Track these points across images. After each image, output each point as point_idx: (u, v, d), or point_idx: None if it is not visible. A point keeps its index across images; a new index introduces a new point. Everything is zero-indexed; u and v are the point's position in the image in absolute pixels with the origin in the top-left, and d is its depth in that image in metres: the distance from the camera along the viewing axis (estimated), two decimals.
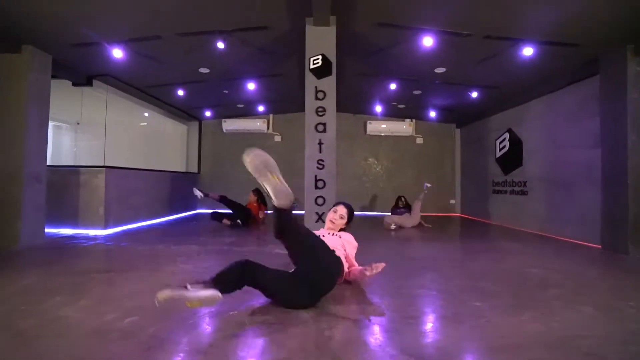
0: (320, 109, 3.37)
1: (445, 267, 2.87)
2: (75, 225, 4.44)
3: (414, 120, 7.56)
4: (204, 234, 4.50)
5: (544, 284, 2.35)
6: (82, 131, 6.82)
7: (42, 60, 3.67)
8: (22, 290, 2.10)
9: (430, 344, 1.45)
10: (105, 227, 4.45)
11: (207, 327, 1.60)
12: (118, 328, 1.55)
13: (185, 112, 6.93)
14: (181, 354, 1.32)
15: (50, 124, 6.24)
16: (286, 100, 6.52)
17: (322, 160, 3.35)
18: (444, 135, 7.76)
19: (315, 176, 3.34)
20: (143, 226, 5.13)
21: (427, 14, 3.25)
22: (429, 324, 1.71)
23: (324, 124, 3.37)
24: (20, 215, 3.47)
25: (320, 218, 3.32)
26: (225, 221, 5.22)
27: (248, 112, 7.21)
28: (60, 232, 4.33)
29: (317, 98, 3.38)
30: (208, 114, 7.08)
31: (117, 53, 3.71)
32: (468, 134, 7.38)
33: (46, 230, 4.11)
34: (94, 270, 2.54)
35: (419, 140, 7.69)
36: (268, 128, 7.53)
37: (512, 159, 5.67)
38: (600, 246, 3.67)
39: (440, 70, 4.58)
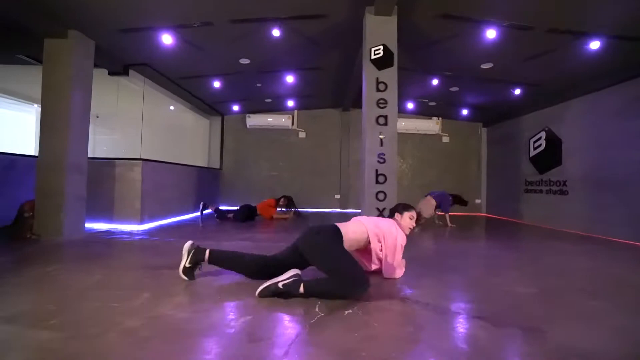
0: (381, 101, 3.25)
1: (521, 266, 2.75)
2: (110, 219, 4.28)
3: (440, 118, 7.46)
4: (247, 229, 4.36)
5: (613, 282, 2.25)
6: (100, 125, 6.66)
7: (86, 46, 3.52)
8: (98, 285, 1.96)
9: (598, 348, 1.33)
10: (141, 222, 4.30)
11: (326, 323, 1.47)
12: (239, 327, 1.41)
13: (209, 106, 6.77)
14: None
15: None
16: (316, 95, 6.38)
17: (383, 154, 3.22)
18: (470, 134, 7.67)
19: (376, 170, 3.22)
20: (176, 222, 4.97)
21: (495, 4, 3.14)
22: (564, 327, 1.58)
23: (385, 117, 3.24)
24: (63, 207, 3.32)
25: (381, 214, 3.19)
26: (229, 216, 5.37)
27: (274, 107, 7.06)
28: (95, 227, 4.17)
29: (378, 90, 3.25)
30: (236, 108, 6.92)
31: (167, 39, 3.56)
32: (495, 133, 7.29)
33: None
34: (160, 265, 2.39)
35: (445, 139, 7.59)
36: (292, 124, 7.39)
37: (550, 158, 5.57)
38: None
39: (486, 65, 4.47)
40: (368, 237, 2.13)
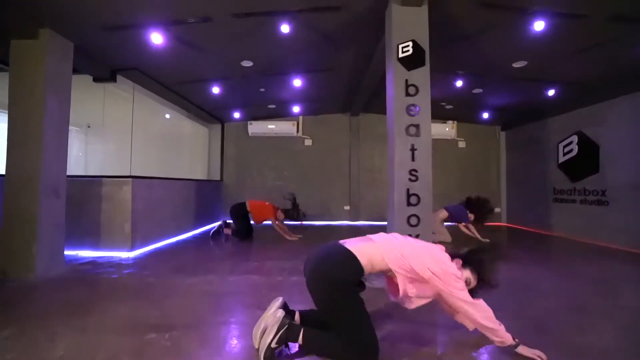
0: (412, 107, 2.72)
1: (603, 306, 2.21)
2: (96, 246, 3.74)
3: (455, 122, 6.95)
4: (257, 252, 3.82)
5: None
6: (93, 135, 6.16)
7: (62, 46, 3.00)
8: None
9: None
10: (132, 247, 3.76)
11: None
12: None
13: (208, 113, 6.25)
14: None
15: None
16: (323, 99, 5.87)
17: (416, 171, 2.70)
18: (488, 139, 7.15)
19: (408, 190, 2.69)
20: (172, 243, 4.44)
21: None
22: None
23: (417, 126, 2.72)
24: (35, 236, 2.78)
25: None
26: (226, 230, 4.79)
27: (278, 113, 6.55)
28: (79, 255, 3.63)
29: (407, 94, 2.73)
30: (237, 115, 6.40)
31: (157, 38, 3.04)
32: (516, 137, 6.77)
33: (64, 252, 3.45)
34: (147, 324, 1.85)
35: (462, 144, 7.08)
36: (297, 131, 6.87)
37: (583, 165, 5.05)
38: None
39: (519, 64, 3.96)
40: (389, 268, 1.52)
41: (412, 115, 2.71)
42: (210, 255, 3.90)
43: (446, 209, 4.89)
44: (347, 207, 6.92)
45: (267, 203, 4.94)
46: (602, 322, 1.97)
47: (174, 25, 3.00)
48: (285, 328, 1.43)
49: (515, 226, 6.65)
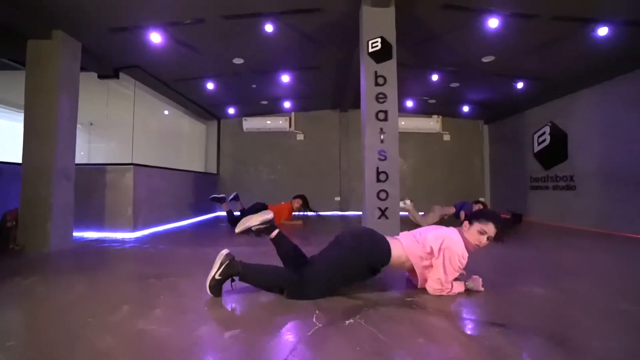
0: (380, 96, 3.10)
1: (539, 266, 2.57)
2: (101, 227, 4.11)
3: (440, 116, 7.32)
4: (241, 235, 4.18)
5: None
6: (95, 133, 6.53)
7: (72, 47, 3.38)
8: (80, 299, 1.78)
9: None
10: (134, 229, 4.13)
11: (326, 336, 1.29)
12: (222, 344, 1.24)
13: (205, 110, 6.64)
14: None
15: None
16: (314, 96, 6.25)
17: (384, 151, 3.06)
18: (472, 132, 7.52)
19: (377, 168, 3.05)
20: (171, 228, 4.80)
21: None
22: (593, 333, 1.40)
23: (385, 112, 3.09)
24: (50, 216, 3.15)
25: (384, 214, 3.02)
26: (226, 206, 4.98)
27: (270, 109, 6.93)
28: (86, 236, 4.00)
29: (377, 84, 3.10)
30: (231, 111, 6.78)
31: (155, 38, 3.42)
32: (498, 130, 7.14)
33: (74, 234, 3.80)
34: (148, 275, 2.22)
35: (446, 137, 7.45)
36: (290, 126, 7.24)
37: (555, 153, 5.41)
38: None
39: (488, 59, 4.33)
40: (407, 257, 1.80)
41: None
42: (207, 236, 4.26)
43: (454, 205, 5.15)
44: (337, 199, 7.28)
45: (283, 203, 5.22)
46: (527, 273, 2.32)
47: (171, 26, 3.38)
48: (227, 263, 1.74)
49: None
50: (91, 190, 4.11)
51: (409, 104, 6.55)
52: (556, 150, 5.38)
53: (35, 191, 3.17)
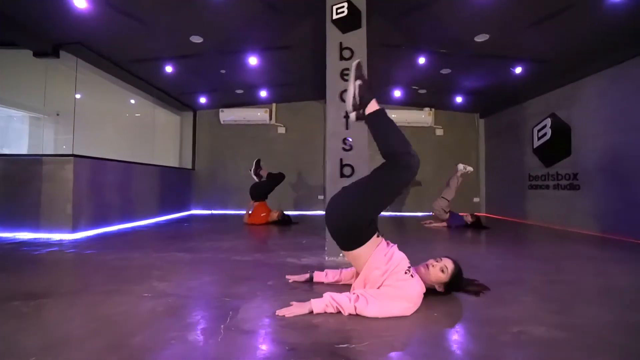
0: (346, 72, 2.56)
1: (537, 283, 2.03)
2: (36, 228, 3.58)
3: (432, 109, 6.77)
4: (197, 238, 3.66)
5: None
6: (65, 123, 6.02)
7: None
8: None
9: None
10: (74, 229, 3.60)
11: None
12: None
13: (177, 100, 6.11)
14: None
15: (27, 115, 5.55)
16: (294, 83, 5.70)
17: (350, 139, 2.53)
18: (466, 126, 6.97)
19: (341, 160, 2.52)
20: (124, 229, 4.28)
21: None
22: None
23: None
24: None
25: None
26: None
27: (248, 99, 6.39)
28: (17, 237, 3.48)
29: (342, 57, 2.56)
30: (203, 100, 6.24)
31: (80, 2, 2.87)
32: (494, 124, 6.59)
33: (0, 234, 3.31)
34: (21, 293, 1.69)
35: (439, 132, 6.90)
36: (270, 119, 6.70)
37: (557, 149, 4.86)
38: None
39: (481, 38, 3.78)
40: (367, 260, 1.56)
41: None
42: (160, 237, 3.74)
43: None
44: (321, 197, 6.75)
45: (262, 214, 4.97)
46: (524, 295, 1.79)
47: None
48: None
49: (494, 216, 6.46)
50: (26, 184, 3.59)
51: (397, 93, 5.99)
52: (558, 146, 4.83)
53: None
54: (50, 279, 1.99)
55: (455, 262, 1.66)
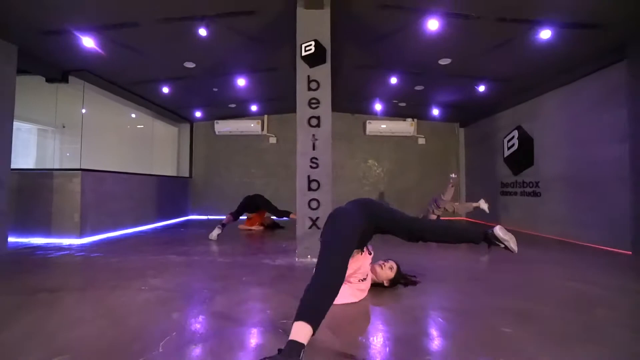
0: (313, 101, 3.00)
1: (463, 280, 2.46)
2: (47, 234, 4.03)
3: (415, 119, 7.20)
4: (189, 242, 4.10)
5: (587, 301, 1.95)
6: (69, 135, 6.49)
7: (5, 50, 3.31)
8: None
9: None
10: (81, 235, 4.05)
11: None
12: None
13: (175, 113, 6.58)
14: None
15: (35, 127, 6.03)
16: (281, 98, 6.15)
17: (316, 158, 2.96)
18: (447, 135, 7.39)
19: (309, 176, 2.95)
20: (126, 234, 4.72)
21: None
22: None
23: (318, 118, 2.99)
24: None
25: (314, 224, 2.92)
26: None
27: (241, 112, 6.85)
28: (32, 242, 3.93)
29: (309, 89, 3.01)
30: (198, 114, 6.71)
31: (88, 42, 3.35)
32: (473, 133, 7.01)
33: (16, 240, 3.75)
34: (43, 288, 2.13)
35: (421, 141, 7.32)
36: (262, 129, 7.16)
37: (522, 158, 5.28)
38: (630, 252, 3.26)
39: (445, 61, 4.22)
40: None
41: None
42: (160, 242, 4.17)
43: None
44: None
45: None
46: (444, 287, 2.22)
47: (106, 30, 3.30)
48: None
49: (473, 220, 6.86)
50: (37, 195, 4.05)
51: (378, 107, 6.44)
52: (524, 155, 5.26)
53: None
54: (64, 277, 2.43)
55: (396, 263, 2.15)
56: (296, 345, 1.09)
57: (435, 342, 1.44)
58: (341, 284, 1.35)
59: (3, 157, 3.36)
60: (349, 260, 1.48)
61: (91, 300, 1.92)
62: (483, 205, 4.87)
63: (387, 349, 1.36)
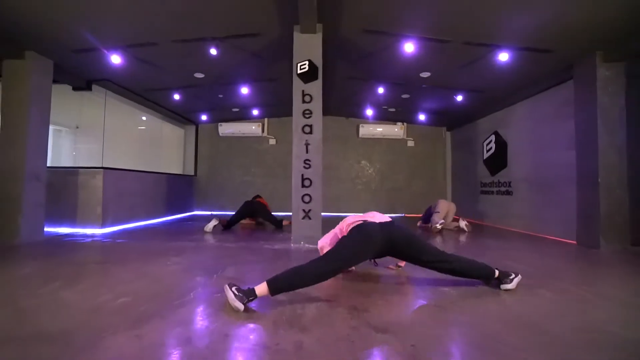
0: (307, 112, 3.55)
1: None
2: (73, 224, 4.59)
3: (405, 123, 7.76)
4: (198, 232, 4.65)
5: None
6: (81, 135, 7.04)
7: (44, 65, 3.86)
8: (22, 277, 2.25)
9: (400, 322, 1.61)
10: (103, 226, 4.61)
11: (194, 306, 1.75)
12: (110, 306, 1.70)
13: (182, 116, 7.13)
14: (166, 326, 1.47)
15: (51, 127, 6.57)
16: (280, 104, 6.70)
17: (309, 160, 3.52)
18: (435, 138, 7.96)
19: (302, 175, 3.51)
20: (140, 226, 5.28)
21: (409, 21, 3.45)
22: (404, 304, 1.86)
23: (310, 126, 3.55)
24: (20, 211, 3.63)
25: (307, 215, 3.48)
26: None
27: (243, 116, 7.40)
28: (59, 231, 4.48)
29: (304, 101, 3.56)
30: (204, 117, 7.27)
31: (115, 59, 3.90)
32: (458, 137, 7.58)
33: (45, 229, 4.28)
34: (91, 261, 2.69)
35: (410, 143, 7.88)
36: (263, 131, 7.72)
37: (498, 160, 5.85)
38: (575, 242, 3.83)
39: (425, 74, 4.78)
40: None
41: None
42: (169, 232, 4.73)
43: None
44: None
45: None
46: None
47: (129, 48, 3.85)
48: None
49: (458, 218, 7.42)
50: (65, 190, 4.60)
51: (369, 112, 6.99)
52: (499, 158, 5.82)
53: (8, 190, 3.65)
54: (102, 255, 2.98)
55: None
56: (252, 292, 1.67)
57: (387, 297, 2.00)
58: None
59: (41, 156, 3.91)
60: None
61: (131, 269, 2.47)
62: (461, 223, 5.19)
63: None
